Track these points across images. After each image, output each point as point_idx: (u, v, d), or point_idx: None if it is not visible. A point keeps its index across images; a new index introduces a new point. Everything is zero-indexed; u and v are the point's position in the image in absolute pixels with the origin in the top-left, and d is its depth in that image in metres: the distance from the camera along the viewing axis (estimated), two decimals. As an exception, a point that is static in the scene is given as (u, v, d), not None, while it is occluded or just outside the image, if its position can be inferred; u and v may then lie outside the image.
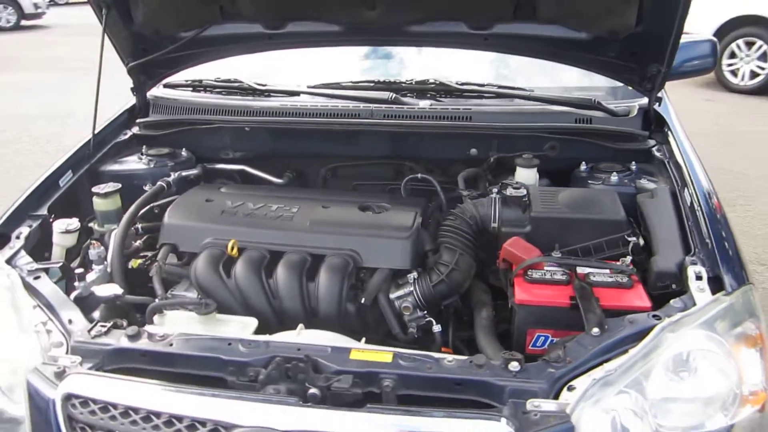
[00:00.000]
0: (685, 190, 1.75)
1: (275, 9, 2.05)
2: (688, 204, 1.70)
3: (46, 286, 1.56)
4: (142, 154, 2.20)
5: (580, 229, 1.69)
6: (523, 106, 2.13)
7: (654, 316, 1.38)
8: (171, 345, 1.36)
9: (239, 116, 2.23)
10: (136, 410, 1.23)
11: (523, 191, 1.79)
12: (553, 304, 1.48)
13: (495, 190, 1.84)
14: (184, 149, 2.24)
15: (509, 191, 1.79)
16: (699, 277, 1.46)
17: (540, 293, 1.50)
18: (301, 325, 1.56)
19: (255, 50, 2.25)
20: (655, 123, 2.09)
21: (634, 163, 2.01)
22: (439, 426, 1.17)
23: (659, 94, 2.07)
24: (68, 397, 1.26)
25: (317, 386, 1.26)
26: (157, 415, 1.22)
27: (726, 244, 1.53)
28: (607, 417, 1.21)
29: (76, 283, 1.67)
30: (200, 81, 2.42)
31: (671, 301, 1.42)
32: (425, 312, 1.69)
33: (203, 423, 1.20)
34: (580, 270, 1.56)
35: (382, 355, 1.33)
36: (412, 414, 1.18)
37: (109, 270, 1.73)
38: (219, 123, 2.22)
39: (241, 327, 1.54)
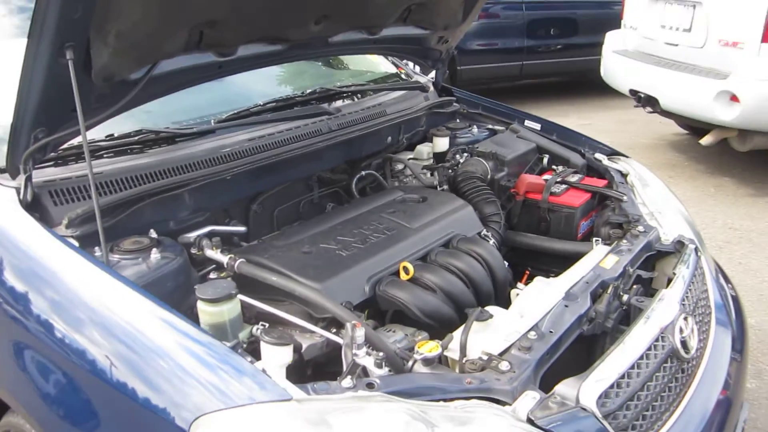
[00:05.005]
0: (525, 122, 2.70)
1: (246, 33, 1.78)
2: (538, 128, 2.66)
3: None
4: (111, 252, 1.53)
5: (523, 159, 2.43)
6: (398, 95, 2.56)
7: (620, 183, 2.33)
8: (551, 332, 1.47)
9: (181, 173, 1.80)
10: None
11: (488, 147, 2.36)
12: (587, 199, 2.23)
13: (465, 155, 2.34)
14: (152, 231, 1.67)
15: (483, 149, 2.34)
16: (603, 158, 2.48)
17: (577, 197, 2.22)
18: (515, 291, 1.80)
19: (199, 82, 1.82)
20: (445, 92, 2.88)
21: (457, 119, 2.79)
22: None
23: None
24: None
25: (626, 292, 1.71)
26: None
27: (587, 140, 2.59)
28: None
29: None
30: (78, 146, 1.72)
31: (611, 171, 2.39)
32: None
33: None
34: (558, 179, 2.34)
35: (610, 258, 1.83)
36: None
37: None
38: (187, 182, 1.75)
39: (500, 313, 1.65)
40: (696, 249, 1.97)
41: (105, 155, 1.76)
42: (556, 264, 2.07)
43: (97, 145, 1.74)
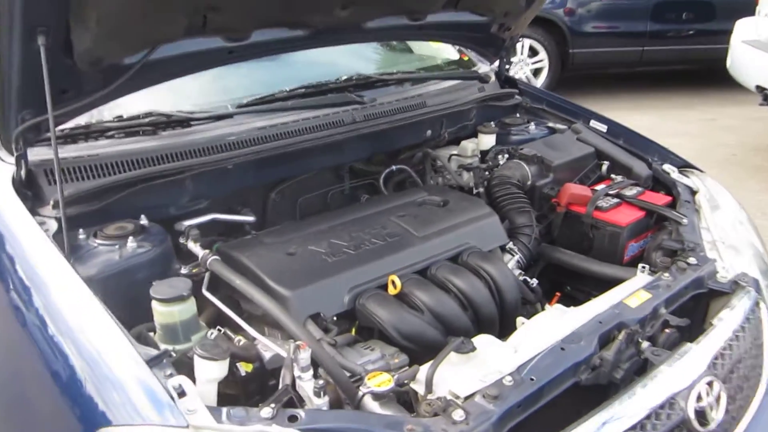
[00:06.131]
0: (590, 122, 2.41)
1: (258, 17, 1.69)
2: (604, 130, 2.37)
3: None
4: (94, 237, 1.52)
5: (576, 165, 2.17)
6: (448, 85, 2.37)
7: (686, 201, 2.01)
8: (532, 380, 1.27)
9: (179, 160, 1.75)
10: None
11: (533, 150, 2.13)
12: (639, 218, 1.94)
13: (506, 155, 2.12)
14: (143, 216, 1.63)
15: (527, 151, 2.11)
16: (673, 171, 2.16)
17: (626, 214, 1.94)
18: (521, 318, 1.60)
19: (206, 68, 1.77)
20: (509, 83, 2.64)
21: (517, 114, 2.55)
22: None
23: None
24: None
25: (646, 338, 1.45)
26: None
27: (658, 147, 2.26)
28: None
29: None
30: (86, 126, 1.73)
31: (679, 186, 2.07)
32: (522, 272, 1.90)
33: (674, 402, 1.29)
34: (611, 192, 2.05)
35: (640, 294, 1.56)
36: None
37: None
38: (182, 170, 1.70)
39: (491, 344, 1.47)
40: (757, 293, 1.65)
41: (116, 136, 1.75)
42: (599, 286, 1.81)
43: (105, 125, 1.74)
